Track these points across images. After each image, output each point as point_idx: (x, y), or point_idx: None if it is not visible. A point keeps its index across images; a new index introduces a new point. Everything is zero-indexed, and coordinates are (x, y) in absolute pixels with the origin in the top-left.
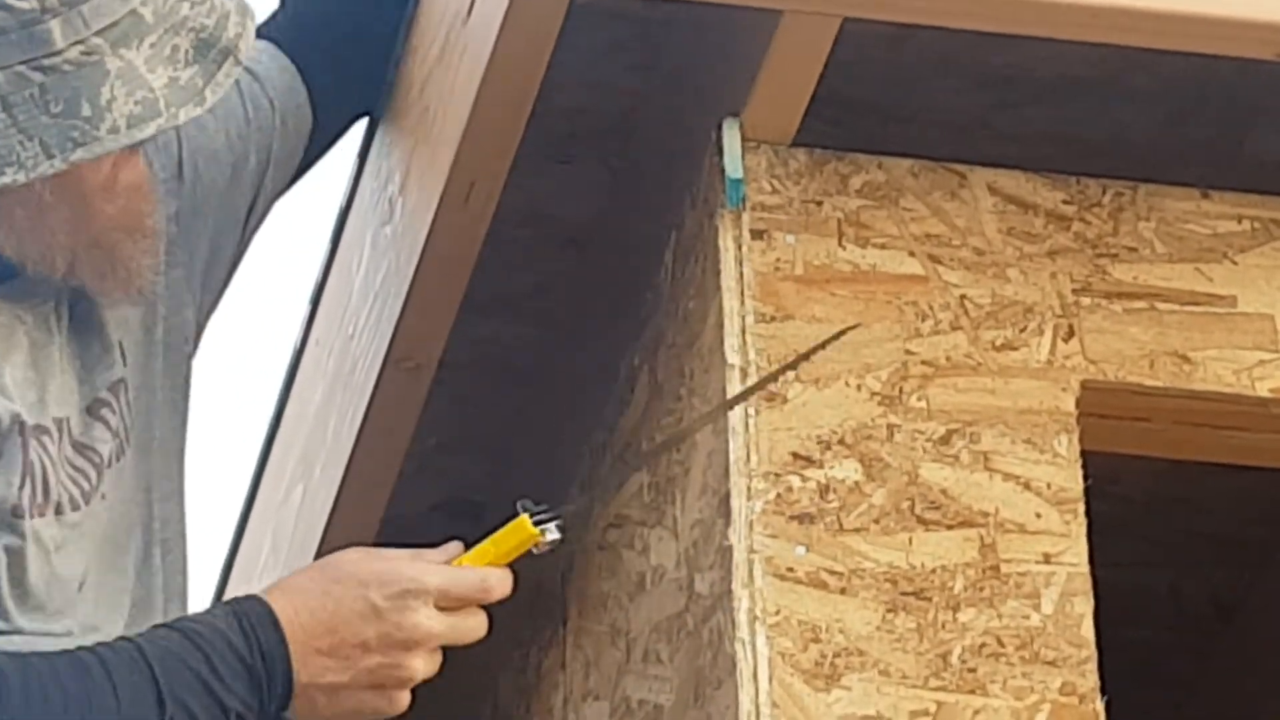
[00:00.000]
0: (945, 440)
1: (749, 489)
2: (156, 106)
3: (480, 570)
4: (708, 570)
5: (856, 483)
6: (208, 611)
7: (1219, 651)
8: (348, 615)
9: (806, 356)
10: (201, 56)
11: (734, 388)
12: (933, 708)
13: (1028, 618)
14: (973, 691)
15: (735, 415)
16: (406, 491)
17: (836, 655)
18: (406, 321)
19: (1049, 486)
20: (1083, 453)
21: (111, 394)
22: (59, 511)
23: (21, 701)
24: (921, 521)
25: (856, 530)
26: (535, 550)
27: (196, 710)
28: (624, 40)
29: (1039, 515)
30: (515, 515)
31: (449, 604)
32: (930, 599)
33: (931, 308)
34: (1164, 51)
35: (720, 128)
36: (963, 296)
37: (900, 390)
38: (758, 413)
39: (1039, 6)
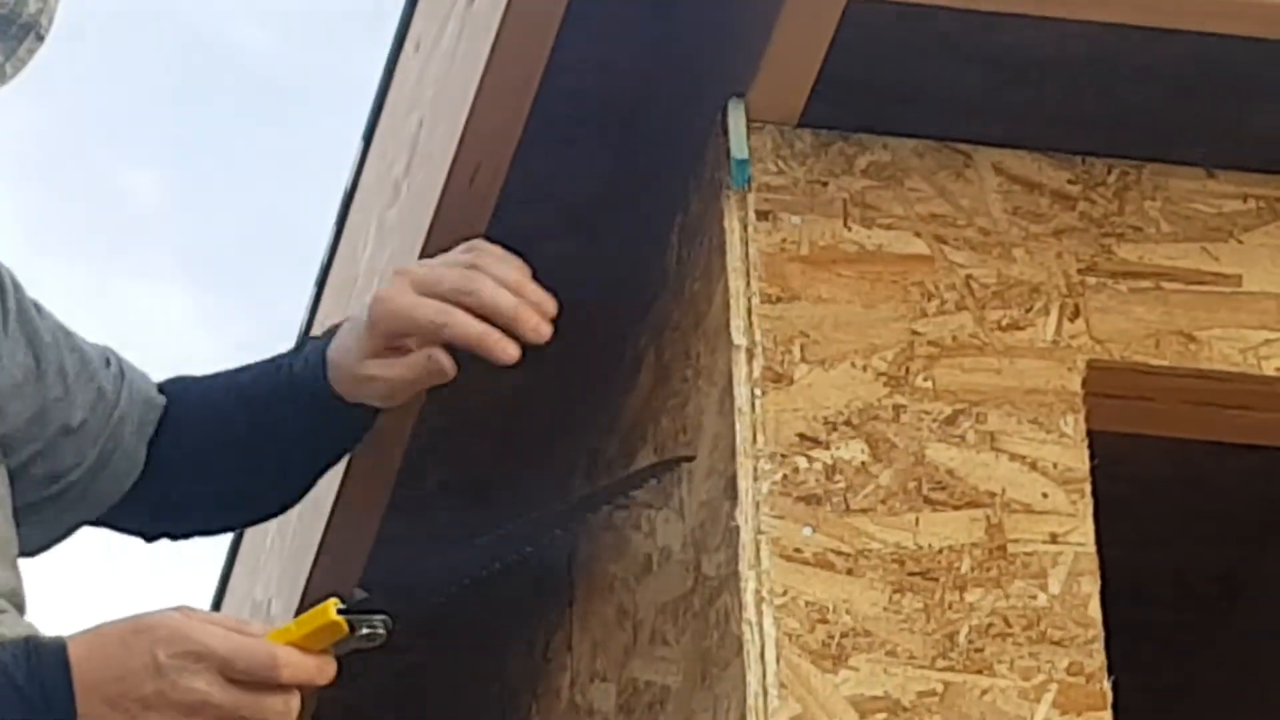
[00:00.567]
0: (951, 420)
1: (755, 470)
2: None
3: (273, 647)
4: (714, 551)
5: (863, 463)
6: (9, 641)
7: (1225, 630)
8: (135, 668)
9: (641, 477)
10: (2, 33)
11: (740, 369)
12: (940, 688)
13: (1035, 598)
14: (980, 671)
15: (741, 396)
16: (414, 470)
17: (844, 636)
18: None
19: (1055, 466)
20: (1089, 432)
21: None
22: None
23: None
24: (928, 502)
25: (863, 511)
26: (361, 643)
27: None
28: (629, 21)
29: (1045, 495)
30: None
31: (236, 675)
32: (937, 579)
33: (937, 288)
34: (1169, 30)
35: (725, 108)
36: (968, 276)
37: (906, 370)
38: (764, 394)
39: None
